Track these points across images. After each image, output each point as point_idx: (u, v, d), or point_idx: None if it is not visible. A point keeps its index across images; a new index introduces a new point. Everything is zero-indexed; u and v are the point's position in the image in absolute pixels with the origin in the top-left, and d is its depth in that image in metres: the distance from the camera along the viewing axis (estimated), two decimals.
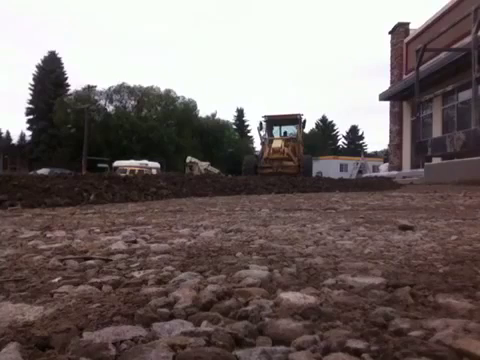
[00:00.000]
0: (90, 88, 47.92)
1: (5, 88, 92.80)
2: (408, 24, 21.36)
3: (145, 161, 34.21)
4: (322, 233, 2.33)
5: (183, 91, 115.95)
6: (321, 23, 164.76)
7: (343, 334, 0.79)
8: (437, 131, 17.06)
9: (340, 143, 77.82)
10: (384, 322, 0.85)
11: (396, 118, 21.81)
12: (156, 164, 34.42)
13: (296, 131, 19.46)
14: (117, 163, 33.48)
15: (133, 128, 46.79)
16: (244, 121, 70.18)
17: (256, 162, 18.04)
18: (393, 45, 21.87)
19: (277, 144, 17.45)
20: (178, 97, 53.42)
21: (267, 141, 18.32)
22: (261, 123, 18.79)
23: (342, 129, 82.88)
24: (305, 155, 19.00)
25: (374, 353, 0.71)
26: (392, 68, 22.20)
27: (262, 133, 18.92)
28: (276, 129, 20.40)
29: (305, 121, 18.93)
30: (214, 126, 55.68)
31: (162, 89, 52.93)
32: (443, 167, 12.99)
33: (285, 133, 20.14)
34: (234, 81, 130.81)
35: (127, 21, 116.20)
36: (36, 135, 51.01)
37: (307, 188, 9.42)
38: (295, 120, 19.07)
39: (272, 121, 19.44)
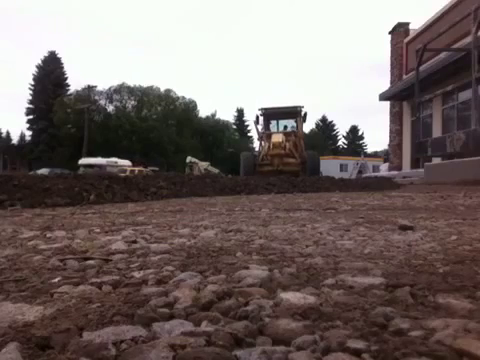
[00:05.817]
0: (90, 88, 47.87)
1: (5, 88, 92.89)
2: (408, 24, 21.39)
3: (114, 159, 32.06)
4: (322, 233, 2.33)
5: (183, 91, 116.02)
6: (321, 23, 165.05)
7: (343, 334, 0.79)
8: (437, 131, 17.05)
9: (340, 143, 77.88)
10: (384, 322, 0.85)
11: (396, 118, 21.82)
12: (127, 162, 32.21)
13: (296, 125, 17.47)
14: (81, 161, 31.58)
15: (133, 128, 46.78)
16: (244, 121, 70.22)
17: (255, 160, 16.25)
18: (393, 45, 21.88)
19: (278, 138, 15.44)
20: (178, 97, 53.50)
21: (265, 135, 16.39)
22: (257, 116, 16.89)
23: (342, 129, 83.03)
24: (310, 151, 16.89)
25: (374, 353, 0.71)
26: (392, 68, 22.22)
27: (259, 127, 17.09)
28: (274, 123, 18.31)
29: (306, 114, 16.86)
30: (214, 126, 55.71)
31: (162, 89, 53.07)
32: (443, 167, 12.98)
33: (285, 127, 18.06)
34: (234, 81, 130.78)
35: (127, 21, 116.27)
36: (36, 135, 50.98)
37: (307, 188, 9.42)
38: (295, 113, 17.08)
39: (270, 114, 17.30)
